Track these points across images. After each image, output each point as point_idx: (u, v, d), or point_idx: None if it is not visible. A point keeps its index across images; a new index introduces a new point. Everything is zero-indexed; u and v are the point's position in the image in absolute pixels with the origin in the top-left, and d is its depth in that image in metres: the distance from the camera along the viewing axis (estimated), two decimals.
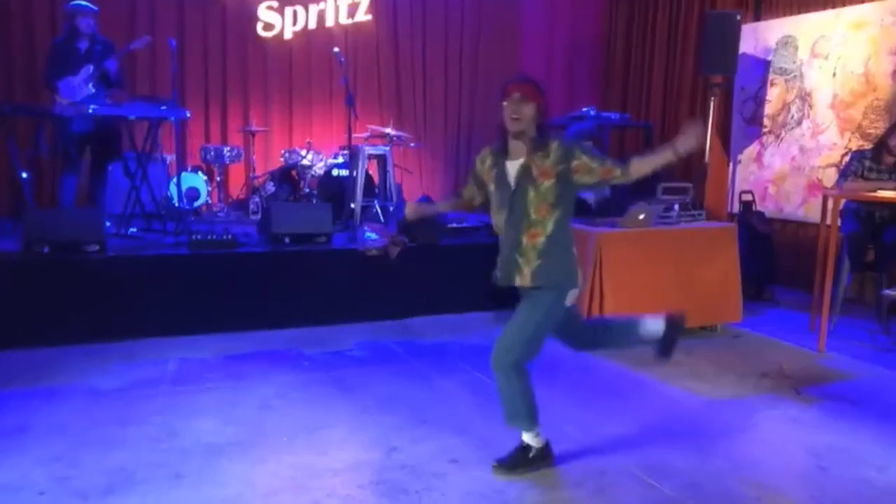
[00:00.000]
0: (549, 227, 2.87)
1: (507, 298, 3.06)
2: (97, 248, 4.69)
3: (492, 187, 3.00)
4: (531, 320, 2.88)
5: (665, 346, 3.16)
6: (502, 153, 2.96)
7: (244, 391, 3.80)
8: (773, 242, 6.33)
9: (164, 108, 5.53)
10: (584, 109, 7.36)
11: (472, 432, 3.34)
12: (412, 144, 7.76)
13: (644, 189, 6.27)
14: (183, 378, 3.99)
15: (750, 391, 4.01)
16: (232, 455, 3.06)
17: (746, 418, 3.64)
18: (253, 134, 7.59)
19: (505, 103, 2.87)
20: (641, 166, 2.88)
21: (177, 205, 6.17)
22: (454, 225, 6.04)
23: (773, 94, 6.96)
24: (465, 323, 5.26)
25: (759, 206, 6.74)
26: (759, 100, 7.10)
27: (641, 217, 4.87)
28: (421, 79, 8.63)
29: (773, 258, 6.28)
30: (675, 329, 3.16)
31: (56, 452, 3.02)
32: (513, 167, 2.91)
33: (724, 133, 7.38)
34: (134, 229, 5.64)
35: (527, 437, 3.00)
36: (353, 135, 6.14)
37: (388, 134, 7.15)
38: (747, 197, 6.70)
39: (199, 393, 3.76)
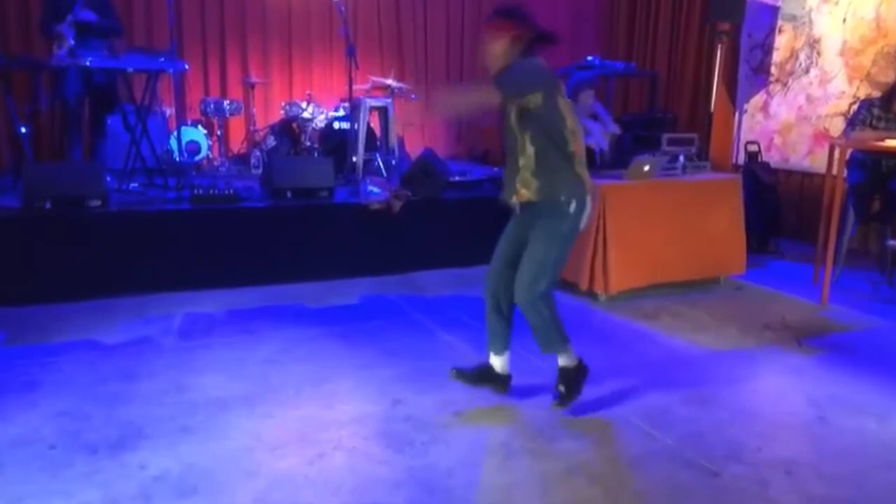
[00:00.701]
0: (529, 149, 2.88)
1: None
2: (99, 203, 4.68)
3: None
4: (547, 248, 2.92)
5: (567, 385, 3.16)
6: None
7: (249, 346, 3.83)
8: (778, 193, 6.29)
9: (161, 60, 5.45)
10: (589, 59, 7.24)
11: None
12: (413, 97, 7.66)
13: (649, 140, 6.22)
14: (188, 333, 4.02)
15: (752, 343, 4.03)
16: (238, 409, 3.09)
17: (748, 369, 3.66)
18: (252, 86, 7.50)
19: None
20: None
21: (178, 159, 6.13)
22: (457, 178, 6.00)
23: (781, 42, 6.82)
24: (469, 276, 5.26)
25: (764, 157, 6.68)
26: (766, 48, 6.97)
27: (646, 168, 4.83)
28: (422, 29, 8.48)
29: (777, 209, 6.25)
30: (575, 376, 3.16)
31: (65, 407, 3.06)
32: None
33: (730, 82, 7.26)
34: (135, 184, 5.61)
35: (562, 360, 3.09)
36: (354, 86, 6.06)
37: (389, 85, 7.05)
38: (753, 147, 6.63)
39: (205, 348, 3.79)
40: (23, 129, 5.49)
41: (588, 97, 5.41)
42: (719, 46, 6.87)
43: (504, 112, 2.93)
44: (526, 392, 3.30)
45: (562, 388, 3.09)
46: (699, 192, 5.02)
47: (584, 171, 2.97)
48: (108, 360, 3.60)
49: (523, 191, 2.94)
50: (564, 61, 8.14)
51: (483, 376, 3.22)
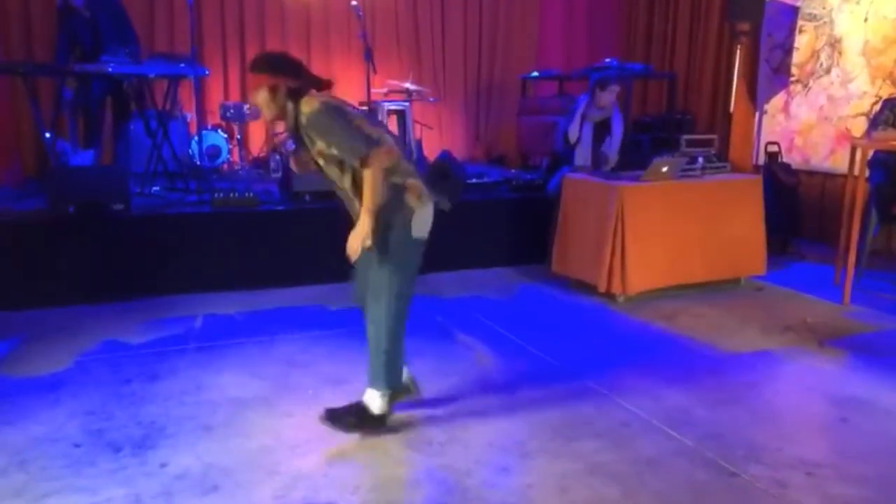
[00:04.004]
0: (346, 182, 2.77)
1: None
2: (122, 206, 4.75)
3: None
4: (382, 262, 2.78)
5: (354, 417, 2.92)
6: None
7: (269, 347, 3.86)
8: (798, 194, 6.23)
9: (182, 65, 5.51)
10: (607, 61, 7.22)
11: (494, 386, 3.39)
12: (431, 99, 7.68)
13: (667, 141, 6.20)
14: (209, 334, 4.06)
15: (773, 344, 4.00)
16: (258, 408, 3.13)
17: (769, 370, 3.64)
18: None
19: None
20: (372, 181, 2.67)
21: (198, 163, 6.20)
22: (474, 180, 6.01)
23: (802, 42, 6.76)
24: (487, 278, 5.28)
25: (785, 158, 6.62)
26: (786, 48, 6.91)
27: (665, 170, 4.81)
28: (440, 31, 8.50)
29: (798, 210, 6.19)
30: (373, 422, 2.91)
31: (89, 406, 3.11)
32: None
33: (750, 83, 7.21)
34: (157, 188, 5.68)
35: (368, 394, 2.89)
36: (372, 90, 6.09)
37: (407, 89, 7.08)
38: (773, 148, 6.58)
39: (226, 349, 3.83)
40: (48, 135, 5.58)
41: (611, 93, 5.33)
42: (738, 47, 6.82)
43: (312, 158, 2.83)
44: (543, 392, 3.30)
45: (351, 419, 2.87)
46: (719, 193, 4.99)
47: (404, 178, 2.79)
48: (131, 360, 3.65)
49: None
50: (581, 63, 8.15)
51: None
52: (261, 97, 2.75)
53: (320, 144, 2.74)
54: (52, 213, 4.60)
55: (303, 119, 2.73)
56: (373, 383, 2.89)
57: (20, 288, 4.38)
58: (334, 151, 2.72)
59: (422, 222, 2.84)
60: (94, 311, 4.37)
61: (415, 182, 2.84)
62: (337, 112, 2.74)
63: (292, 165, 3.10)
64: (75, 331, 4.04)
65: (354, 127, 2.71)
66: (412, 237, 2.82)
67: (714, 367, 3.68)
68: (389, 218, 2.76)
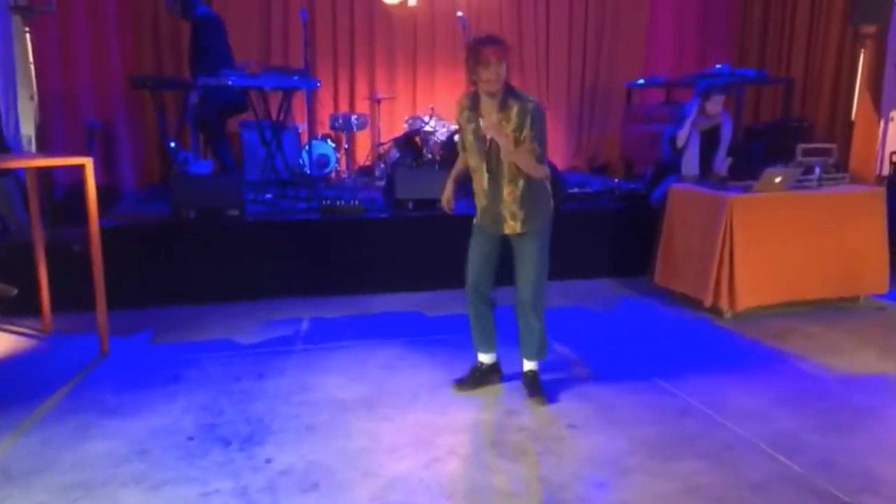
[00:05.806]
0: (521, 182, 3.12)
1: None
2: (237, 213, 5.00)
3: (470, 137, 3.20)
4: (537, 264, 3.25)
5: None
6: (476, 108, 3.10)
7: (370, 351, 3.97)
8: None
9: (295, 78, 5.75)
10: (718, 67, 6.98)
11: (592, 399, 3.34)
12: None
13: (781, 150, 5.92)
14: (314, 337, 4.22)
15: (893, 367, 3.75)
16: (358, 411, 3.22)
17: (889, 395, 3.41)
18: (378, 101, 7.76)
19: (480, 67, 2.96)
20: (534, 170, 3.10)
21: (308, 172, 6.44)
22: (576, 190, 5.95)
23: None
24: (588, 289, 5.21)
25: None
26: None
27: (778, 180, 4.60)
28: (544, 40, 8.47)
29: None
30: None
31: (202, 401, 3.29)
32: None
33: (874, 88, 6.78)
34: (269, 195, 5.94)
35: (536, 366, 3.40)
36: None
37: None
38: None
39: (330, 351, 3.97)
40: (172, 144, 5.96)
41: (717, 103, 5.17)
42: (863, 50, 6.44)
43: (488, 140, 3.09)
44: (642, 408, 3.23)
45: (538, 389, 3.33)
46: (837, 205, 4.72)
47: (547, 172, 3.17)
48: (242, 359, 3.84)
49: (511, 223, 3.22)
50: (691, 68, 7.91)
51: (481, 378, 3.50)
52: (503, 70, 2.99)
53: (528, 131, 3.01)
54: (175, 218, 4.91)
55: (528, 105, 3.02)
56: (539, 357, 3.38)
57: (144, 287, 4.69)
58: (524, 138, 3.02)
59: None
60: (211, 310, 4.63)
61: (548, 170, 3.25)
62: None
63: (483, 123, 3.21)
64: (192, 329, 4.30)
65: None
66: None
67: (828, 390, 3.48)
68: (546, 226, 3.26)
